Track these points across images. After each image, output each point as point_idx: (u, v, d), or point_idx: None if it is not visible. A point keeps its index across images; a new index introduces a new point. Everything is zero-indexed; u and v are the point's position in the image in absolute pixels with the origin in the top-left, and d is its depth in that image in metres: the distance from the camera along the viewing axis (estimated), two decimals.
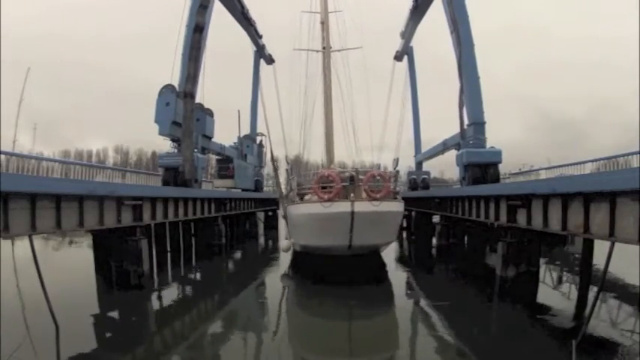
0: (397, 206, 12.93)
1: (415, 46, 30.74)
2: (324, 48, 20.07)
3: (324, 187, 12.19)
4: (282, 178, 17.12)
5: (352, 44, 21.44)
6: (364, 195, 12.03)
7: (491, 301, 10.03)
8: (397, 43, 30.23)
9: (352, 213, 10.96)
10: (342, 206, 11.18)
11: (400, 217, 13.93)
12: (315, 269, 13.22)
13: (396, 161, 15.34)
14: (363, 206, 11.21)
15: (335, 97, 19.72)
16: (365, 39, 25.57)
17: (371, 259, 13.44)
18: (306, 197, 13.78)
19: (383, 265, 14.30)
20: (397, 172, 14.83)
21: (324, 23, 20.25)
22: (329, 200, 11.53)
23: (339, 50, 20.93)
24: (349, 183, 12.23)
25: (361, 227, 11.19)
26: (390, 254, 19.25)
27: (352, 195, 11.55)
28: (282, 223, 30.77)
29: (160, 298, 10.80)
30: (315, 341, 7.77)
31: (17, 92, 31.57)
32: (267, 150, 30.58)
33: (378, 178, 12.64)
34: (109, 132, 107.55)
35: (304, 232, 13.36)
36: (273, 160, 16.10)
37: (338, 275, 11.83)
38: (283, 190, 16.18)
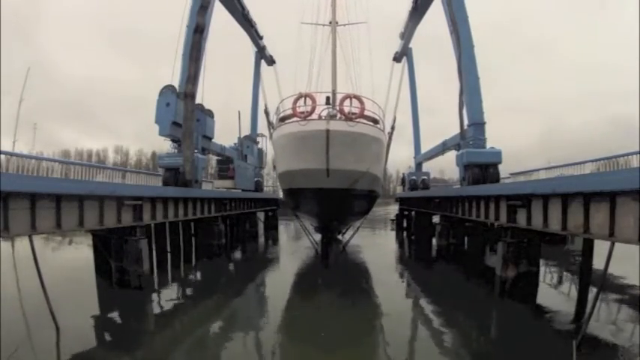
0: (375, 131, 13.00)
1: (414, 47, 30.72)
2: (330, 22, 20.32)
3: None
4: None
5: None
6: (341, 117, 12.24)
7: (491, 301, 10.03)
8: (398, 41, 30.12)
9: (327, 131, 11.11)
10: (318, 124, 11.40)
11: (379, 144, 13.86)
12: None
13: (394, 119, 16.52)
14: (338, 125, 11.41)
15: (340, 71, 20.04)
16: (372, 20, 25.92)
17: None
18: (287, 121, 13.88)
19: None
20: (393, 128, 16.10)
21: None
22: (305, 119, 11.82)
23: (344, 25, 21.32)
24: (325, 103, 12.52)
25: (337, 148, 11.35)
26: (389, 254, 19.33)
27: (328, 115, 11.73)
28: (282, 224, 30.98)
29: (159, 298, 10.80)
30: (311, 341, 7.76)
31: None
32: (266, 150, 30.64)
33: (354, 99, 12.97)
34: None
35: (284, 155, 13.47)
36: (267, 112, 15.94)
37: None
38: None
